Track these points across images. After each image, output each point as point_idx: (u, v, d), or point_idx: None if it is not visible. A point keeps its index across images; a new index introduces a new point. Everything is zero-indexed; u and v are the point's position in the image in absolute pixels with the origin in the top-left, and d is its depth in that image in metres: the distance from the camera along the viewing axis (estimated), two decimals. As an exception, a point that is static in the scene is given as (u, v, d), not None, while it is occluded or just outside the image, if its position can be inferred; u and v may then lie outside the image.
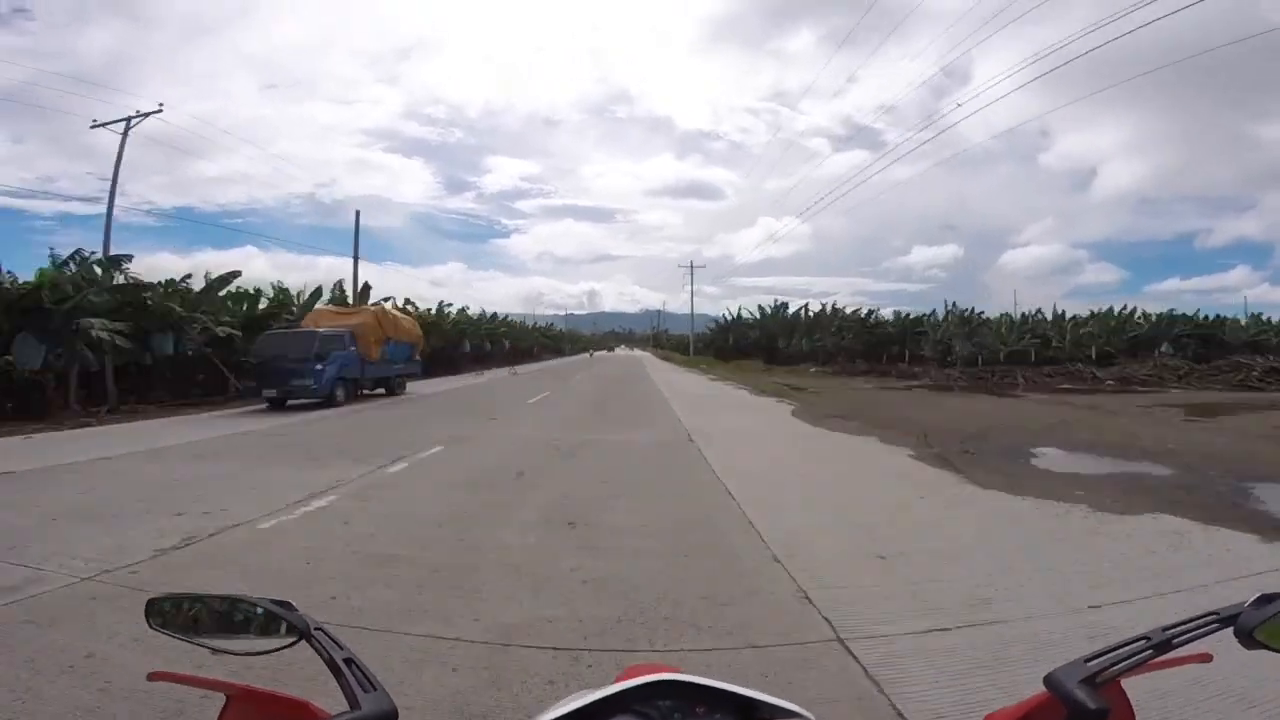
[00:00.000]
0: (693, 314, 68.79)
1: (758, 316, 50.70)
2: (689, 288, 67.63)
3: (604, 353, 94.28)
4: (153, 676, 0.72)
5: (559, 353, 76.50)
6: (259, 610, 0.72)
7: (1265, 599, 0.63)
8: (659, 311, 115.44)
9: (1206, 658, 0.69)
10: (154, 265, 18.89)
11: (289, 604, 0.72)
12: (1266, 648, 0.61)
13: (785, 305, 49.41)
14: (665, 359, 61.31)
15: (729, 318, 56.82)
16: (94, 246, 16.96)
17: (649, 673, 0.68)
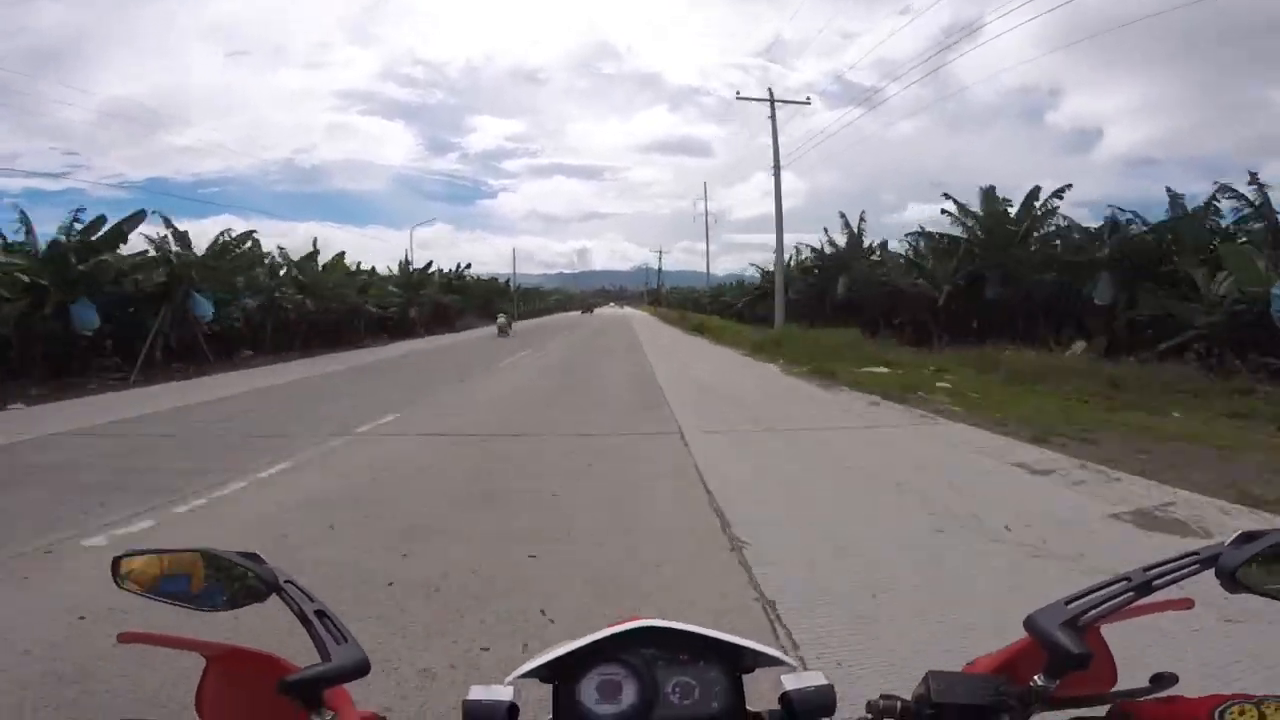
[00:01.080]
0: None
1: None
2: (684, 243, 66.47)
3: (577, 314, 76.97)
4: (123, 637, 0.71)
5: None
6: (226, 563, 0.71)
7: (1246, 536, 0.61)
8: (659, 269, 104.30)
9: (1188, 603, 0.68)
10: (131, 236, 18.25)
11: (258, 556, 0.71)
12: (1248, 589, 0.60)
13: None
14: (685, 327, 36.90)
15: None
16: (62, 218, 16.25)
17: (635, 622, 0.68)
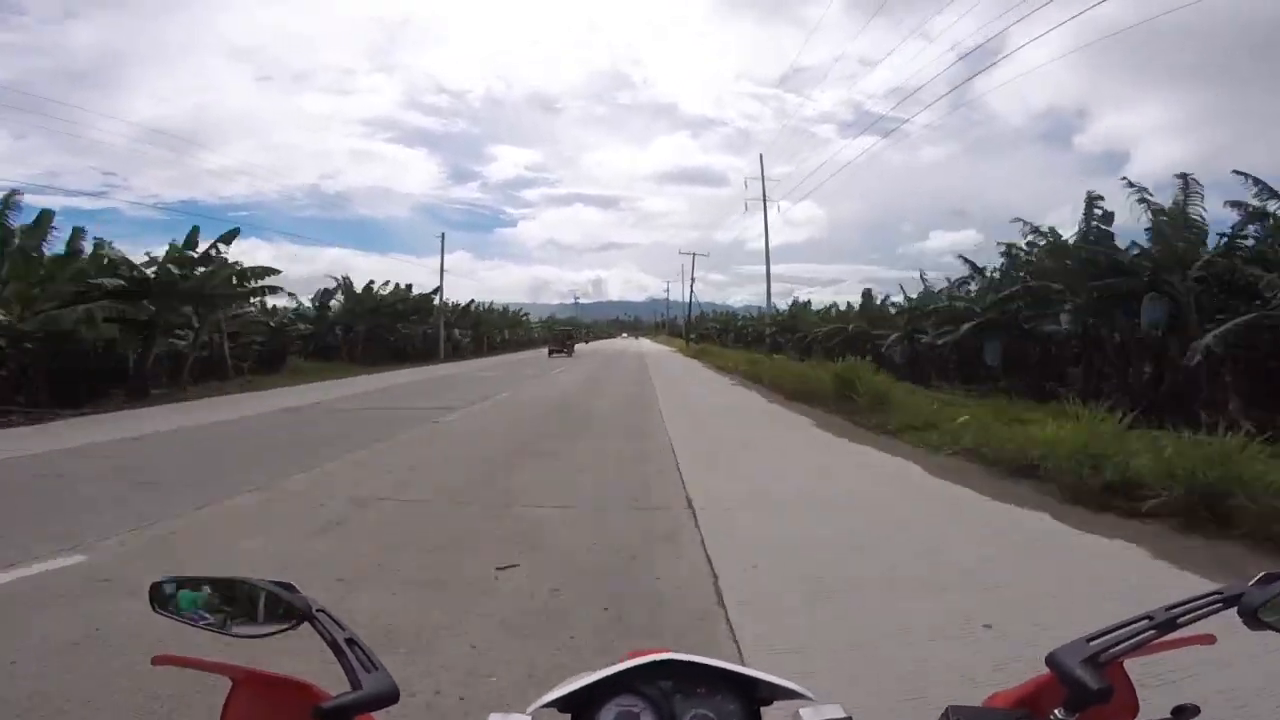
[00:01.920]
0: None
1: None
2: (699, 273, 62.08)
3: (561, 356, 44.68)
4: (157, 660, 0.72)
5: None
6: (262, 592, 0.72)
7: (1270, 578, 0.62)
8: (690, 287, 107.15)
9: (1210, 639, 0.68)
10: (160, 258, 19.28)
11: (291, 585, 0.72)
12: (1271, 628, 0.61)
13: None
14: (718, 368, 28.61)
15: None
16: (102, 238, 17.83)
17: (653, 655, 0.68)
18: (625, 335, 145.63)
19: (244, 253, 20.96)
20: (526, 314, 72.82)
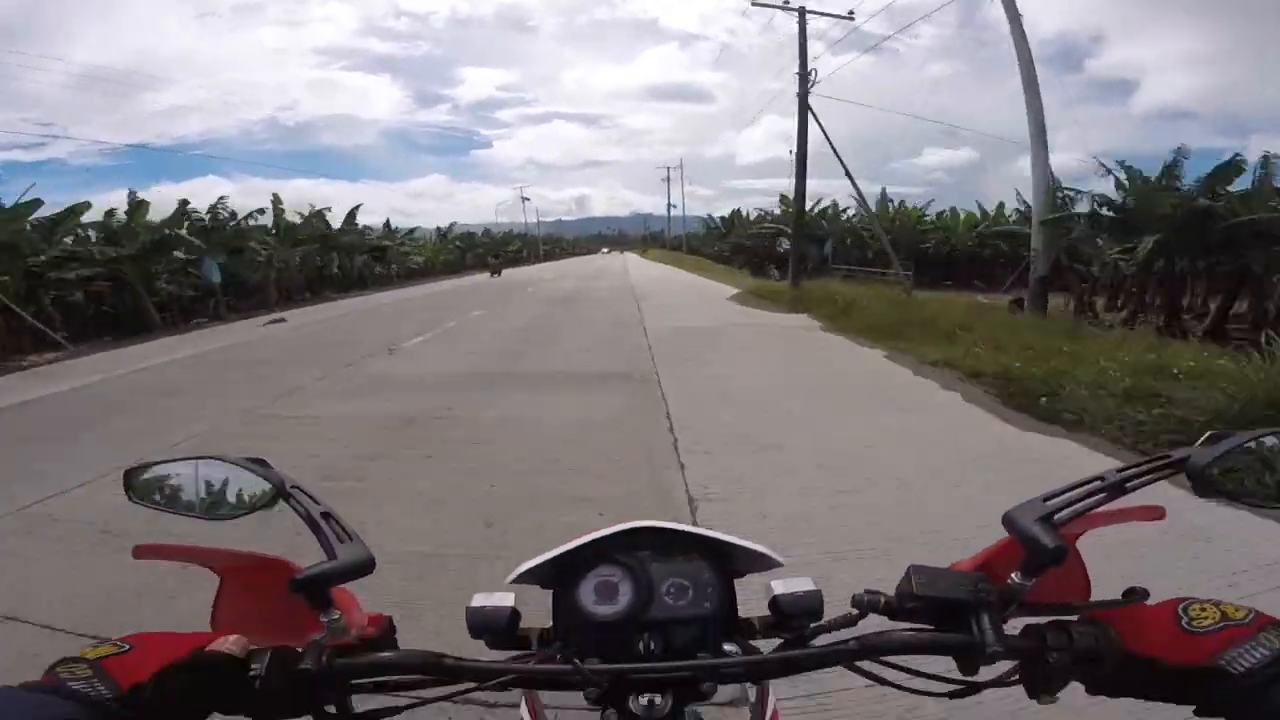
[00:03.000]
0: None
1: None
2: (680, 188, 59.68)
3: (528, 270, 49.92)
4: (138, 552, 0.72)
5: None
6: (234, 471, 0.72)
7: (1215, 437, 0.63)
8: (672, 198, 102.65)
9: (1160, 512, 0.70)
10: (112, 201, 18.28)
11: (264, 461, 0.72)
12: (1216, 491, 0.61)
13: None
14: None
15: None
16: (46, 192, 17.07)
17: (628, 524, 0.70)
18: (606, 250, 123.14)
19: (204, 190, 19.72)
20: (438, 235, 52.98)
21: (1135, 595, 0.62)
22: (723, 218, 52.40)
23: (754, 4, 19.74)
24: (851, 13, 19.42)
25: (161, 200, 23.29)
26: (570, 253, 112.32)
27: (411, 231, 44.10)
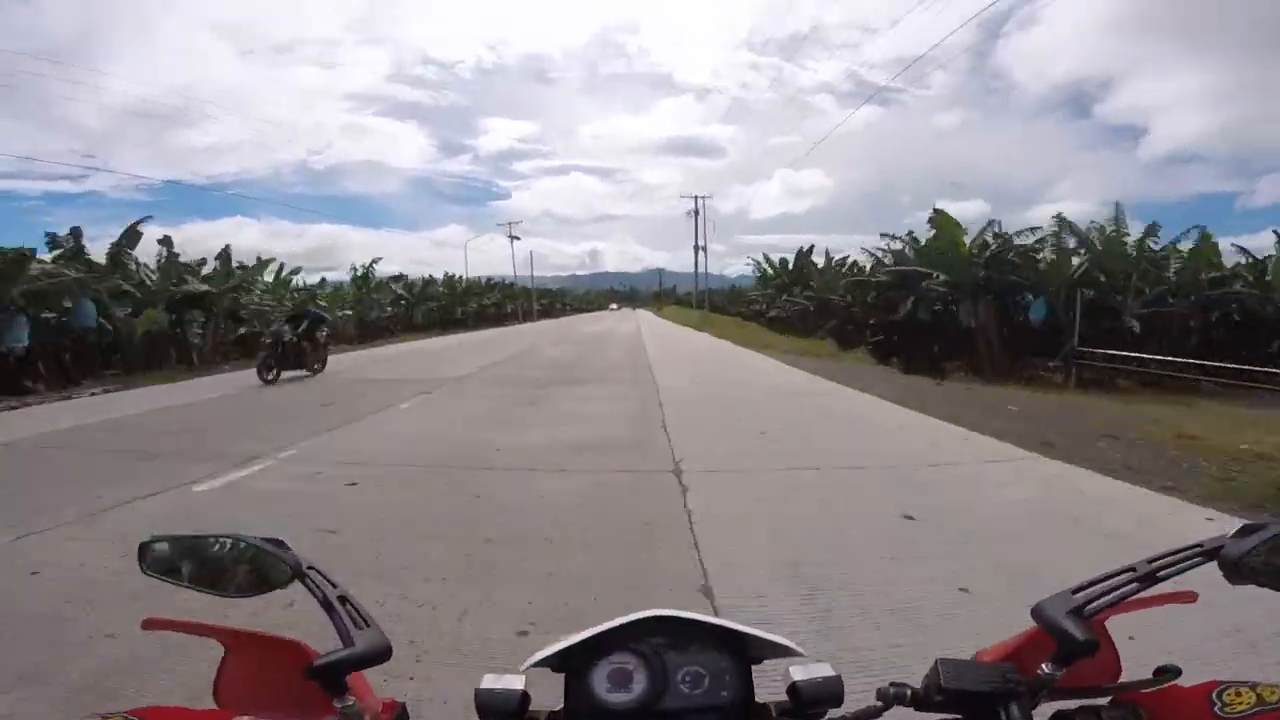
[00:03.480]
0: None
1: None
2: (694, 240, 50.87)
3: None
4: (147, 624, 0.72)
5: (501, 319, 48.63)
6: (252, 550, 0.72)
7: (1248, 530, 0.62)
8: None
9: (1191, 597, 0.69)
10: (147, 236, 17.26)
11: (282, 542, 0.72)
12: (1251, 580, 0.61)
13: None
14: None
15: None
16: (85, 221, 16.48)
17: (645, 612, 0.69)
18: (614, 306, 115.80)
19: (232, 230, 18.45)
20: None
21: (1167, 675, 0.61)
22: (783, 260, 34.83)
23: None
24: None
25: (187, 239, 22.90)
26: (578, 308, 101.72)
27: (321, 281, 30.80)
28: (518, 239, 62.12)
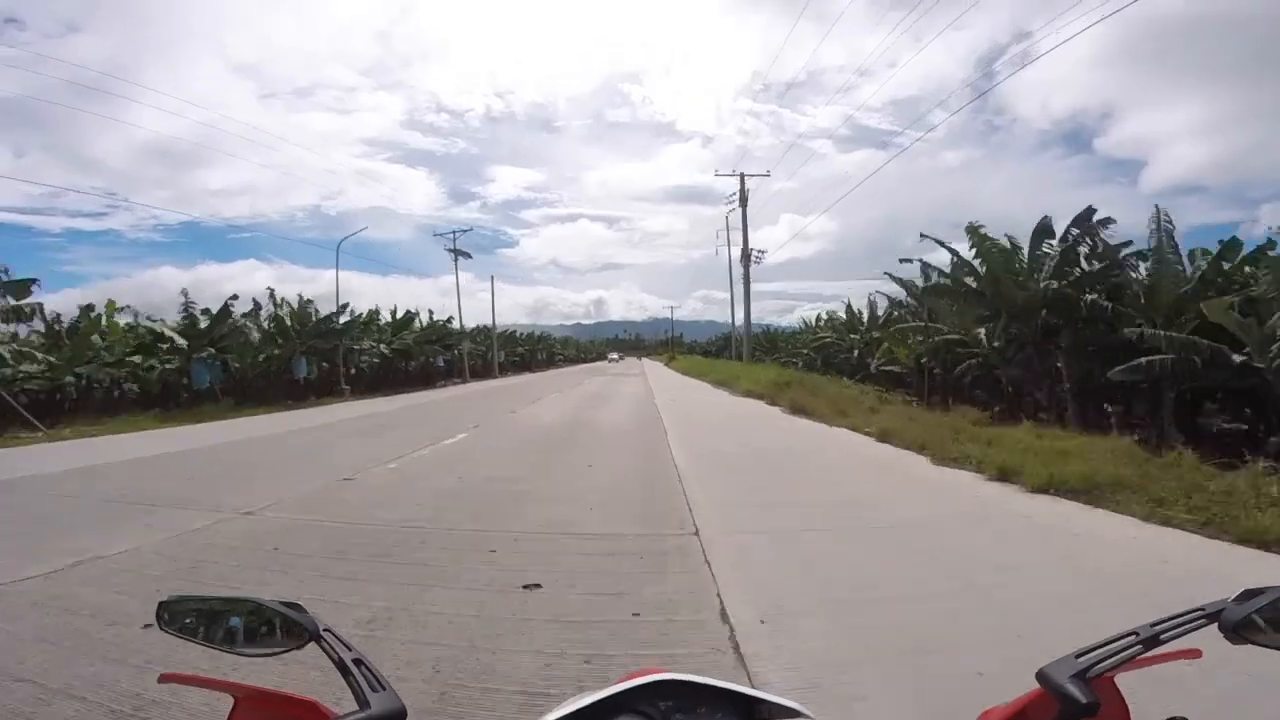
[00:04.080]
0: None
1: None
2: (700, 292, 43.96)
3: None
4: (164, 678, 0.74)
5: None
6: (269, 612, 0.73)
7: (1248, 594, 0.64)
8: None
9: (1196, 654, 0.70)
10: (157, 278, 17.94)
11: (299, 606, 0.73)
12: (1251, 642, 0.62)
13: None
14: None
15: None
16: (101, 260, 17.30)
17: (653, 675, 0.69)
18: (615, 357, 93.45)
19: (244, 273, 18.68)
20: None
21: None
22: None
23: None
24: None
25: (202, 281, 23.40)
26: (575, 358, 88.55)
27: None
28: (467, 255, 41.84)
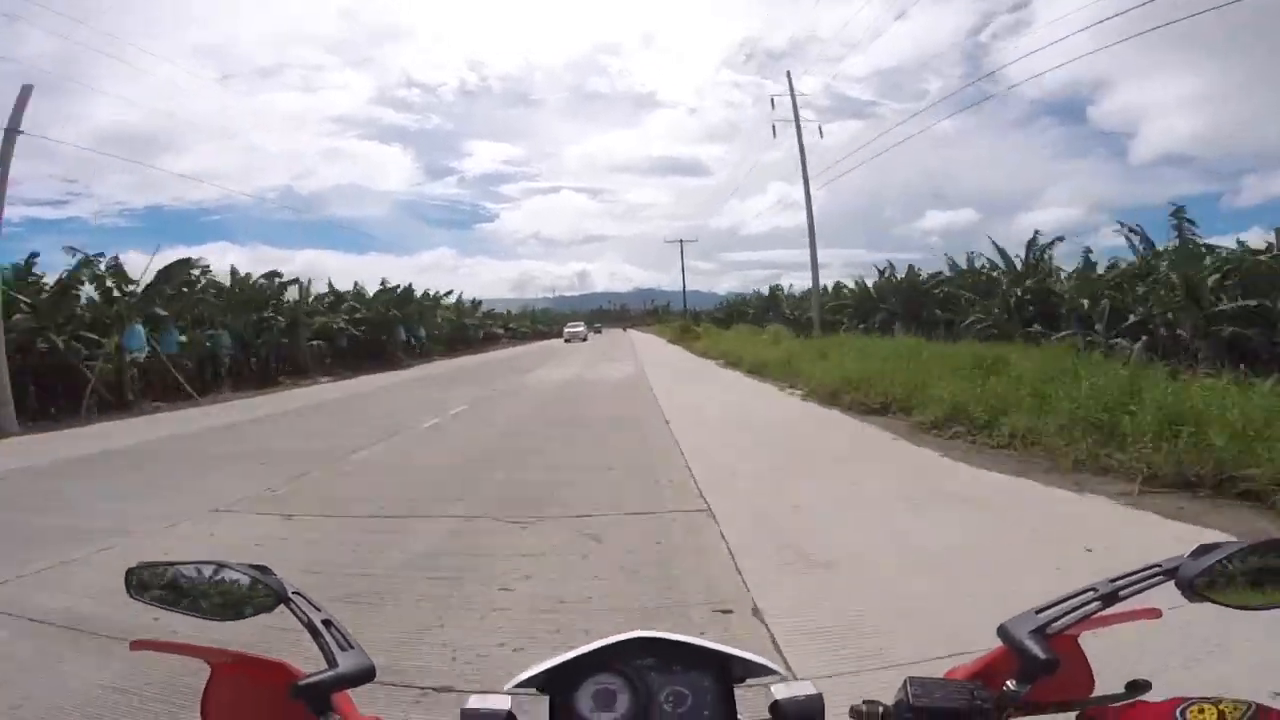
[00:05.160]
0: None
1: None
2: (686, 263, 40.51)
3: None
4: (135, 645, 0.74)
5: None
6: (237, 576, 0.73)
7: (1204, 549, 0.64)
8: None
9: (1156, 613, 0.71)
10: (124, 264, 16.50)
11: (267, 568, 0.73)
12: (1206, 599, 0.63)
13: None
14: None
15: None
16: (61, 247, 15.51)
17: (628, 634, 0.70)
18: (576, 328, 53.66)
19: (216, 255, 17.19)
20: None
21: (1137, 689, 0.63)
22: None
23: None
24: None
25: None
26: (532, 334, 64.66)
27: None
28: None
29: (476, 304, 48.69)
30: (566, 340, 47.80)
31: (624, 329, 72.70)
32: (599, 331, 59.33)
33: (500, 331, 55.87)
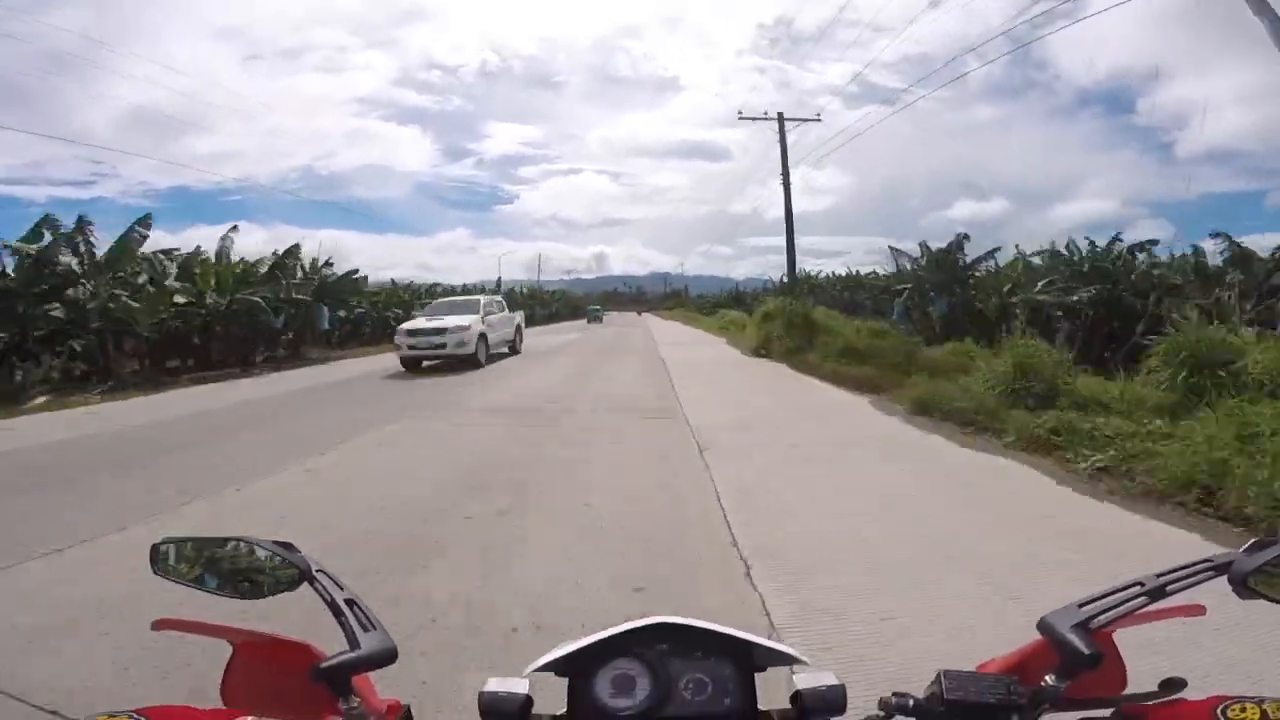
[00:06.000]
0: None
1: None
2: (703, 248, 38.62)
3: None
4: (157, 625, 0.73)
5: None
6: (262, 553, 0.73)
7: (1258, 545, 0.62)
8: None
9: (1199, 610, 0.69)
10: (160, 239, 17.87)
11: (291, 545, 0.73)
12: (1260, 595, 0.61)
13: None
14: None
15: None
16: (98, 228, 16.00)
17: (648, 619, 0.69)
18: (595, 312, 54.52)
19: (237, 236, 19.06)
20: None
21: (1172, 687, 0.61)
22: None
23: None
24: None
25: (191, 244, 21.84)
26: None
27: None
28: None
29: (427, 288, 37.52)
30: (592, 313, 54.48)
31: (638, 313, 66.87)
32: (599, 319, 49.38)
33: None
